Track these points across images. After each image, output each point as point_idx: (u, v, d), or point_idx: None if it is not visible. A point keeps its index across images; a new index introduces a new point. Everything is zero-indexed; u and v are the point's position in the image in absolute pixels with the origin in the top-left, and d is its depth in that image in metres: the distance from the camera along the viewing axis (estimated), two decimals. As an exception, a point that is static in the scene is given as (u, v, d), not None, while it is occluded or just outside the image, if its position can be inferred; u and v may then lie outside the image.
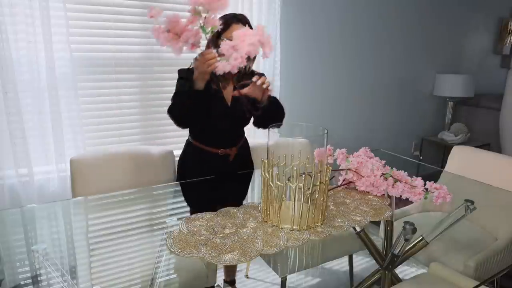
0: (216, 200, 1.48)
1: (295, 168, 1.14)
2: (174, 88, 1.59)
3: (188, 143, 1.72)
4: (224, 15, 1.56)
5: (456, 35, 3.77)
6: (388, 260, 1.22)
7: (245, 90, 1.45)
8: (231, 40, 1.23)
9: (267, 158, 1.15)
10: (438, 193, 1.25)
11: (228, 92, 1.61)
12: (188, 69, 1.56)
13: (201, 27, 1.18)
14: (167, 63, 2.32)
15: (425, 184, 1.29)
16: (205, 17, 1.17)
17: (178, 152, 1.80)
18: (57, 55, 1.91)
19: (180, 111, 1.50)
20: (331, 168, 1.17)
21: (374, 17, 3.10)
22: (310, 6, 2.75)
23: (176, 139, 2.42)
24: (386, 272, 1.25)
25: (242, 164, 1.75)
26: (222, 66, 1.19)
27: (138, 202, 1.53)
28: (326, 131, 1.17)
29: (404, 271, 2.01)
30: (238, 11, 2.31)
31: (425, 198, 1.26)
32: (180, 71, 1.59)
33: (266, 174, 1.12)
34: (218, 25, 1.20)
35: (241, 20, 1.54)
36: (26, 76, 1.86)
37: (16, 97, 1.83)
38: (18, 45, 1.82)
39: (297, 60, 2.79)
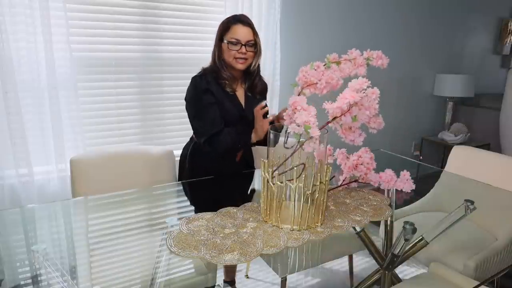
0: (227, 199, 1.46)
1: (295, 168, 1.14)
2: (186, 94, 1.58)
3: (193, 142, 1.69)
4: (225, 19, 1.56)
5: (456, 35, 3.76)
6: (388, 260, 1.21)
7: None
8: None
9: (267, 158, 1.14)
10: (376, 55, 1.26)
11: (240, 95, 1.62)
12: (202, 75, 1.56)
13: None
14: (167, 63, 2.32)
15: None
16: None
17: (178, 152, 1.80)
18: (57, 55, 1.91)
19: (226, 150, 1.57)
20: (331, 168, 1.17)
21: (374, 17, 3.10)
22: (310, 7, 2.75)
23: (176, 139, 2.42)
24: (386, 272, 1.25)
25: (247, 164, 1.76)
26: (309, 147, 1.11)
27: (138, 202, 1.53)
28: (326, 131, 1.17)
29: (404, 271, 2.01)
30: (238, 11, 2.31)
31: (367, 65, 1.26)
32: (197, 81, 1.55)
33: (266, 174, 1.12)
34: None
35: (241, 20, 1.53)
36: (26, 76, 1.86)
37: (16, 97, 1.83)
38: (18, 45, 1.82)
39: (297, 60, 2.79)
